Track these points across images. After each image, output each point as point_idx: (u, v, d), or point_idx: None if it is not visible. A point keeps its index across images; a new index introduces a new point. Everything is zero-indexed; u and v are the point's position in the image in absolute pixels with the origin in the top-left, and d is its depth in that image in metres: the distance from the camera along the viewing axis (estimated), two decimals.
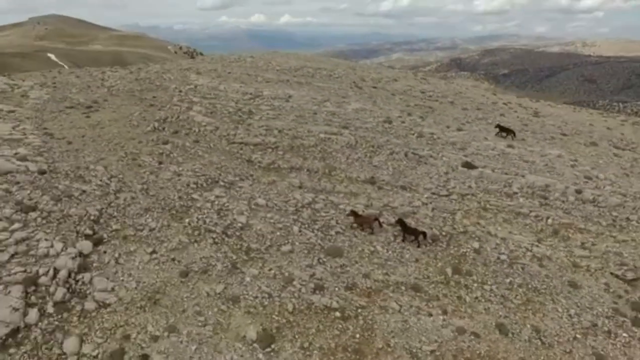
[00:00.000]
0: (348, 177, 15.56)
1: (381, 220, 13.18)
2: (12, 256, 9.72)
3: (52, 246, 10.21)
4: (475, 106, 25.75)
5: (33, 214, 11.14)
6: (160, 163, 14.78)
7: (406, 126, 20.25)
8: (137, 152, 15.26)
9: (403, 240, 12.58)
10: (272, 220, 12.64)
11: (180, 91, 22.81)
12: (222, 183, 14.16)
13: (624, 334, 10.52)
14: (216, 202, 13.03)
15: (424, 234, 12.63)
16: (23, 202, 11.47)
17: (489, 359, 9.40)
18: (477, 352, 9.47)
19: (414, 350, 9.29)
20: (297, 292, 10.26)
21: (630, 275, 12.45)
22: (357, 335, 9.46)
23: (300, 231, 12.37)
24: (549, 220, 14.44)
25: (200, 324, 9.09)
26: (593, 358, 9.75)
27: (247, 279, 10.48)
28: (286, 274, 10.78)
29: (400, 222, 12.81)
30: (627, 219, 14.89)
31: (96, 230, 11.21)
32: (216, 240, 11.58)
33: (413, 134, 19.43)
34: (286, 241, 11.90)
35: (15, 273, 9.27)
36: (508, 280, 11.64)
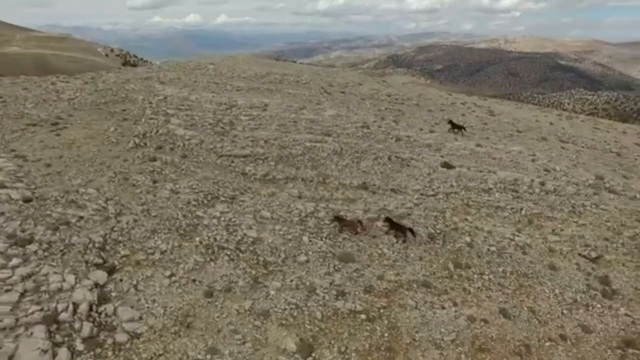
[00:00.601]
0: (342, 183, 16.18)
1: (379, 223, 14.01)
2: (22, 295, 9.10)
3: (63, 280, 9.69)
4: (439, 107, 27.64)
5: (32, 247, 10.44)
6: (154, 182, 14.33)
7: (383, 130, 21.31)
8: (126, 171, 14.64)
9: (395, 237, 13.43)
10: (281, 232, 12.90)
11: (151, 103, 21.96)
12: (222, 198, 14.10)
13: (598, 305, 12.27)
14: (222, 218, 13.01)
15: (411, 230, 13.60)
16: (16, 235, 10.70)
17: (500, 341, 10.55)
18: (490, 336, 10.58)
19: (437, 342, 10.17)
20: (322, 300, 10.70)
21: (593, 254, 14.45)
22: (386, 335, 10.13)
23: (310, 241, 12.78)
24: (523, 212, 16.19)
25: (239, 342, 9.22)
26: (580, 329, 11.30)
27: (272, 292, 10.71)
28: (307, 283, 11.16)
29: (388, 220, 13.75)
30: (583, 205, 17.11)
31: (105, 258, 10.77)
32: (231, 256, 11.64)
33: (391, 138, 20.53)
34: (300, 252, 12.26)
35: (32, 312, 8.72)
36: (501, 269, 12.99)
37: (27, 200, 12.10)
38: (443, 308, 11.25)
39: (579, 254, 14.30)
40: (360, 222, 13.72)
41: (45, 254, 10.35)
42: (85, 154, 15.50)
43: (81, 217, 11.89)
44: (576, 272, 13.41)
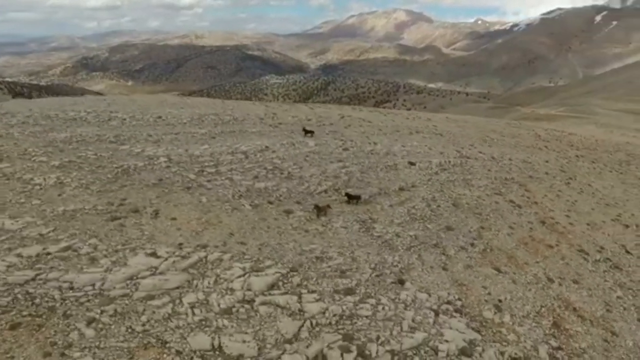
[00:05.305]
0: (393, 190, 23.66)
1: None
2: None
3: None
4: (347, 124, 37.08)
5: (356, 292, 13.74)
6: (323, 225, 17.65)
7: (355, 149, 29.10)
8: (284, 223, 17.13)
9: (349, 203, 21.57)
10: (420, 229, 19.72)
11: (169, 166, 21.17)
12: (370, 220, 19.20)
13: (527, 212, 25.82)
14: (391, 232, 18.55)
15: (359, 196, 21.96)
16: (334, 290, 13.55)
17: (529, 240, 22.09)
18: (536, 234, 21.94)
19: (516, 247, 20.63)
20: (474, 251, 19.04)
21: (498, 191, 28.47)
22: (500, 250, 19.69)
23: (428, 227, 20.34)
24: (461, 180, 28.54)
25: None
26: (535, 222, 24.39)
27: (475, 255, 18.16)
28: (449, 254, 19.11)
29: (346, 194, 21.78)
30: (470, 167, 31.26)
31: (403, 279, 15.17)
32: (417, 251, 17.95)
33: (367, 153, 28.71)
34: (438, 231, 19.73)
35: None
36: (488, 210, 24.57)
37: (294, 270, 14.07)
38: (497, 235, 21.75)
39: (495, 194, 27.90)
40: (329, 206, 20.16)
41: (372, 291, 13.92)
42: (230, 225, 16.37)
43: (337, 263, 15.09)
44: (504, 203, 26.74)
